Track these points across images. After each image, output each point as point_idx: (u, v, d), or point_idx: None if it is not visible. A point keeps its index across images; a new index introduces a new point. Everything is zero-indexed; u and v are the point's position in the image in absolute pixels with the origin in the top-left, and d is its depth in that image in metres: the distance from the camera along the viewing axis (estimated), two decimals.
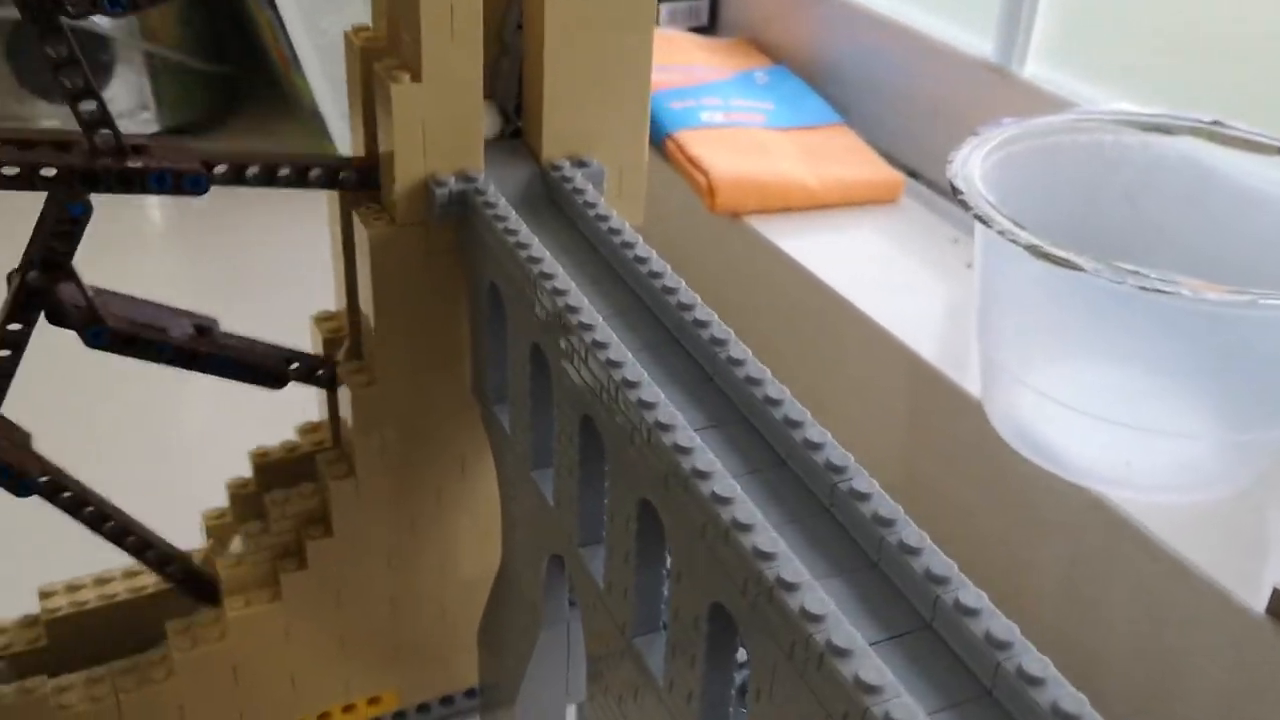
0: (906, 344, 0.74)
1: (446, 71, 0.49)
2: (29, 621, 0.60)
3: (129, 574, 0.61)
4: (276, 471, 0.59)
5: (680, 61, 1.04)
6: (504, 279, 0.48)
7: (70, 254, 0.49)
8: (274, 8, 1.16)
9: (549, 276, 0.44)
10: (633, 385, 0.39)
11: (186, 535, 0.60)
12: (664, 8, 1.17)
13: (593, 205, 0.49)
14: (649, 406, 0.38)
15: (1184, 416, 0.60)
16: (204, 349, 0.53)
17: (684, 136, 0.92)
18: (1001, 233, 0.58)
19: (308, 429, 0.61)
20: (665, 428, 0.37)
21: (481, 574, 0.60)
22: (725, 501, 0.34)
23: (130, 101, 1.27)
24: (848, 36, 1.01)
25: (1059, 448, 0.64)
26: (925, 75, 0.94)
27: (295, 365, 0.56)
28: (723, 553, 0.34)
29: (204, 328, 0.54)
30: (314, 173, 0.51)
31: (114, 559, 0.61)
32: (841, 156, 0.92)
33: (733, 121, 0.95)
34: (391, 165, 0.50)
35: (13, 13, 1.24)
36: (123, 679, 0.57)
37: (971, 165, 0.65)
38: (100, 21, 1.24)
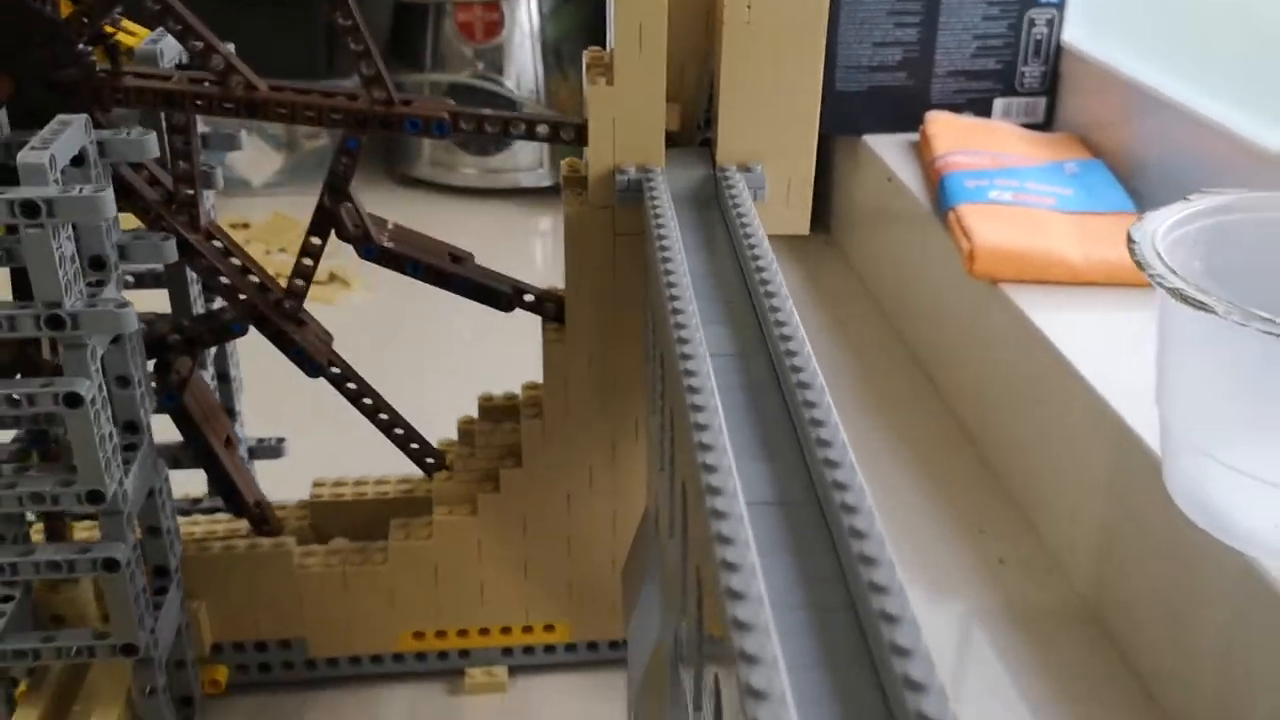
0: (1116, 409, 0.75)
1: (634, 78, 0.59)
2: (304, 504, 0.75)
3: (380, 481, 0.75)
4: (496, 413, 0.72)
5: (992, 148, 1.09)
6: (651, 263, 0.57)
7: (348, 180, 0.63)
8: None
9: (669, 260, 0.51)
10: (696, 391, 0.39)
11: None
12: (999, 102, 1.22)
13: (738, 204, 0.58)
14: (702, 429, 0.38)
15: None
16: (450, 270, 0.65)
17: (965, 209, 0.97)
18: (1152, 276, 0.60)
19: (530, 386, 0.73)
20: (704, 446, 0.37)
21: None
22: (720, 517, 0.34)
23: (530, 159, 1.49)
24: (1166, 135, 1.02)
25: (1222, 511, 0.64)
26: (1230, 174, 0.93)
27: (527, 296, 0.67)
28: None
29: (459, 257, 0.67)
30: (540, 129, 0.63)
31: (375, 470, 0.76)
32: (1119, 240, 0.93)
33: (1020, 201, 0.99)
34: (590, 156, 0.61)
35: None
36: (352, 555, 0.71)
37: (1167, 220, 0.67)
38: (514, 90, 1.47)
